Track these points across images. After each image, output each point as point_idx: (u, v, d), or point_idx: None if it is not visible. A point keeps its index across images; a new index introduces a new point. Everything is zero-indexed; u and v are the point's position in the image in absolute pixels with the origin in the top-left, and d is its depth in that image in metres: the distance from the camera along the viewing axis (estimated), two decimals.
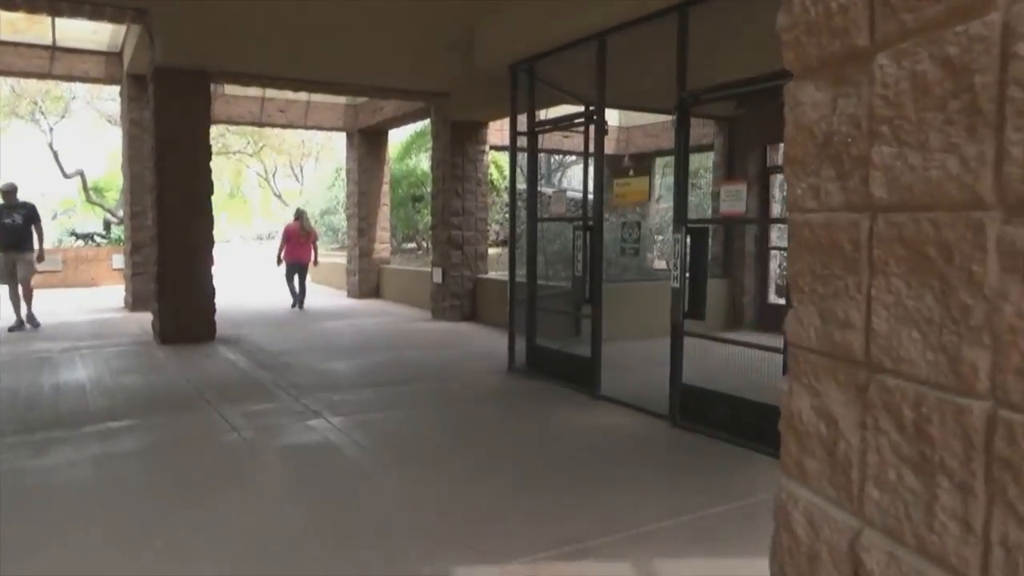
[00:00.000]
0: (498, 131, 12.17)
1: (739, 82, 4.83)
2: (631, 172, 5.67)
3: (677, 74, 5.38)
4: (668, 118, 12.36)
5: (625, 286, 9.28)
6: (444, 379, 7.22)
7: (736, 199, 4.88)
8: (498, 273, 11.92)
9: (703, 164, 13.19)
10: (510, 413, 6.08)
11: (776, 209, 10.99)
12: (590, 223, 6.29)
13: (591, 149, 6.59)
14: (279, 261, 12.89)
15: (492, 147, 12.16)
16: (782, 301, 11.45)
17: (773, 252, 10.88)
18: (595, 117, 6.18)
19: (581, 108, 7.80)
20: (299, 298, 12.87)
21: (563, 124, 6.76)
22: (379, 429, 5.45)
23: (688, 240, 5.28)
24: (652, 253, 13.15)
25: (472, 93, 10.42)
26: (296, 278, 12.83)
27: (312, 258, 13.04)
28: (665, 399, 5.73)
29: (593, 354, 6.40)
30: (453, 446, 5.12)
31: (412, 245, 17.40)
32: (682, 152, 5.41)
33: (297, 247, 12.76)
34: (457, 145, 11.27)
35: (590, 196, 6.53)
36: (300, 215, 13.17)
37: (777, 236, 11.20)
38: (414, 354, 8.57)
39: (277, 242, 13.42)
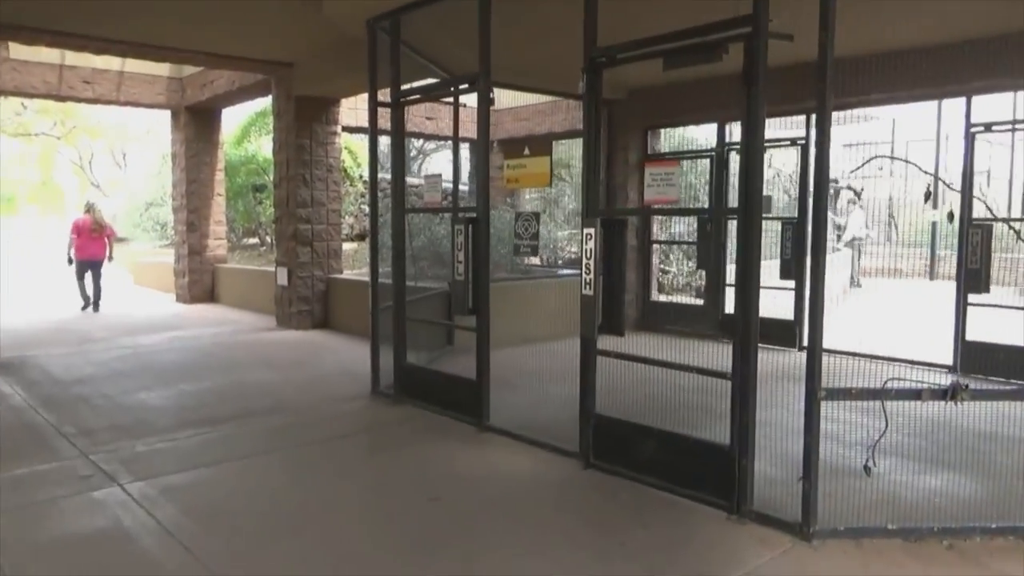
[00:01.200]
0: (352, 110, 10.68)
1: (669, 35, 3.80)
2: (526, 151, 4.49)
3: (585, 29, 4.28)
4: (542, 99, 11.40)
5: (497, 286, 8.18)
6: (293, 410, 5.78)
7: (666, 184, 3.88)
8: (354, 272, 10.47)
9: (573, 153, 12.32)
10: (379, 457, 4.78)
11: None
12: (474, 215, 5.09)
13: (465, 130, 5.36)
14: (69, 260, 11.58)
15: (345, 128, 10.66)
16: (664, 299, 10.81)
17: (654, 247, 10.17)
18: (479, 83, 4.98)
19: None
20: (93, 300, 11.69)
21: (436, 92, 5.51)
22: (200, 498, 3.99)
23: (600, 237, 4.21)
24: (556, 252, 12.17)
25: (320, 62, 8.90)
26: (89, 277, 11.65)
27: (107, 254, 11.75)
28: (569, 428, 4.66)
29: (480, 376, 5.21)
30: (305, 518, 3.76)
31: (255, 240, 15.47)
32: (592, 126, 4.33)
33: (89, 243, 11.52)
34: (303, 125, 9.69)
35: (462, 186, 5.33)
36: (90, 208, 11.83)
37: (658, 228, 10.50)
38: (255, 376, 7.02)
39: (66, 239, 11.73)
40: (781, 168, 10.99)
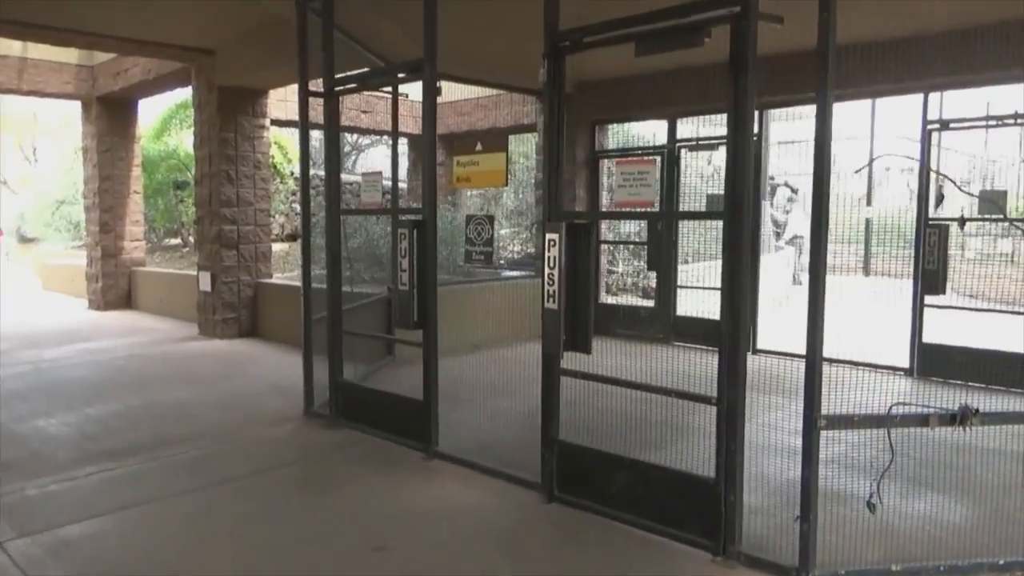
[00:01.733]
0: (282, 102, 9.95)
1: (643, 16, 3.35)
2: (479, 147, 3.98)
3: (546, 10, 3.80)
4: (484, 93, 10.90)
5: (440, 290, 7.64)
6: (214, 436, 5.13)
7: (641, 184, 3.43)
8: (285, 276, 9.76)
9: (521, 150, 11.86)
10: (313, 496, 4.19)
11: (605, 199, 9.92)
12: (419, 218, 4.55)
13: (404, 124, 4.80)
14: None
15: (275, 122, 9.93)
16: (612, 301, 10.45)
17: (603, 247, 9.79)
18: (424, 71, 4.44)
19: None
20: None
21: (375, 81, 4.94)
22: (96, 559, 3.35)
23: (565, 242, 3.73)
24: (499, 252, 11.61)
25: (245, 49, 8.19)
26: None
27: None
28: (527, 453, 4.20)
29: (427, 396, 4.68)
30: None
31: (177, 241, 14.48)
32: (556, 119, 3.85)
33: None
34: (227, 118, 8.94)
35: (402, 183, 4.78)
36: None
37: (607, 227, 10.12)
38: (172, 395, 6.31)
39: None
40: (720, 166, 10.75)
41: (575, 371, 3.91)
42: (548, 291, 3.78)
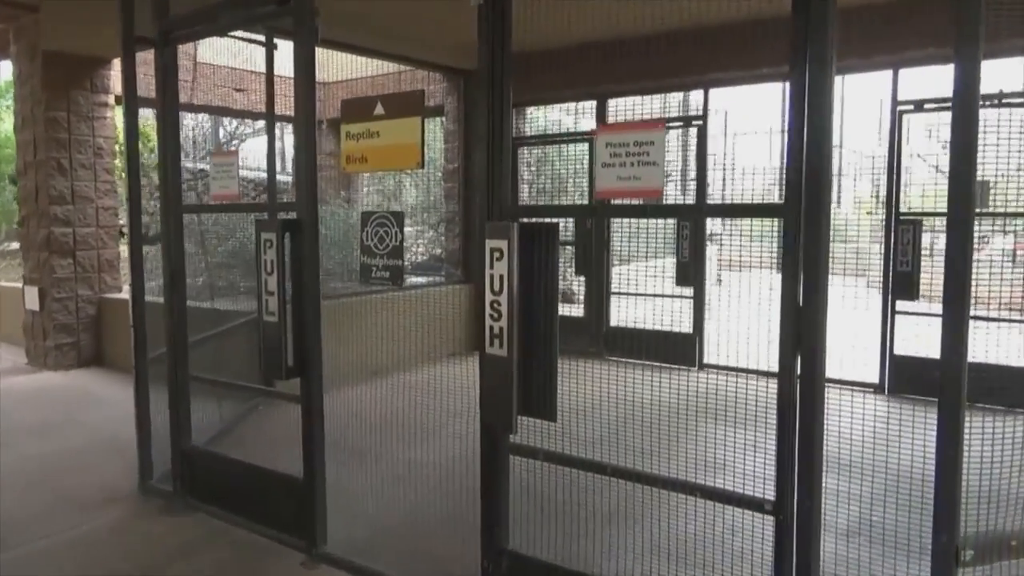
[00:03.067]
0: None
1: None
2: (379, 109, 2.57)
3: None
4: (381, 70, 9.40)
5: (326, 304, 6.17)
6: (10, 531, 3.52)
7: (641, 163, 2.14)
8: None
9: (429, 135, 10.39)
10: None
11: (525, 193, 8.66)
12: (293, 217, 3.11)
13: (287, 106, 3.30)
14: None
15: (121, 99, 8.10)
16: None
17: None
18: (301, 13, 3.00)
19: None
20: None
21: (230, 16, 3.44)
22: None
23: (519, 252, 2.41)
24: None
25: (79, 3, 6.42)
26: None
27: None
28: (455, 541, 2.87)
29: (310, 475, 3.24)
30: None
31: (17, 245, 12.22)
32: (499, 69, 2.51)
33: None
34: (57, 94, 7.10)
35: (287, 176, 3.33)
36: None
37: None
38: None
39: None
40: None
41: (533, 448, 2.59)
42: (492, 329, 2.45)
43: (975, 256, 1.76)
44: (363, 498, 3.76)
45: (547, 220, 2.57)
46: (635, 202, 2.56)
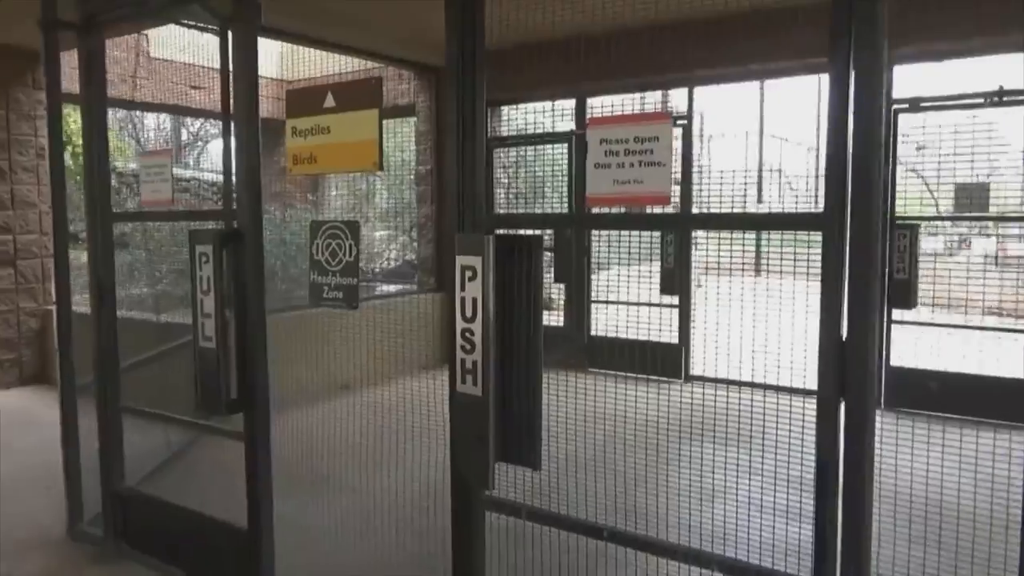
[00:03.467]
0: (76, 68, 7.60)
1: None
2: (329, 101, 2.14)
3: None
4: (344, 67, 8.94)
5: (282, 318, 5.71)
6: None
7: (644, 163, 1.74)
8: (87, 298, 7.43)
9: (401, 136, 9.87)
10: None
11: (500, 197, 8.25)
12: (234, 228, 2.68)
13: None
14: None
15: (70, 96, 7.55)
16: None
17: None
18: None
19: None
20: None
21: (159, 0, 3.00)
22: None
23: (494, 270, 2.00)
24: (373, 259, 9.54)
25: None
26: None
27: None
28: None
29: (255, 526, 2.80)
30: None
31: None
32: (468, 55, 2.11)
33: None
34: None
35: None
36: None
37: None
38: None
39: None
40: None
41: (515, 505, 2.18)
42: (463, 363, 2.04)
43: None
44: (321, 537, 3.33)
45: (529, 232, 2.17)
46: (624, 210, 2.16)
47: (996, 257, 7.45)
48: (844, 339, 1.63)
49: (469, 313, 2.02)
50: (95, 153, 3.26)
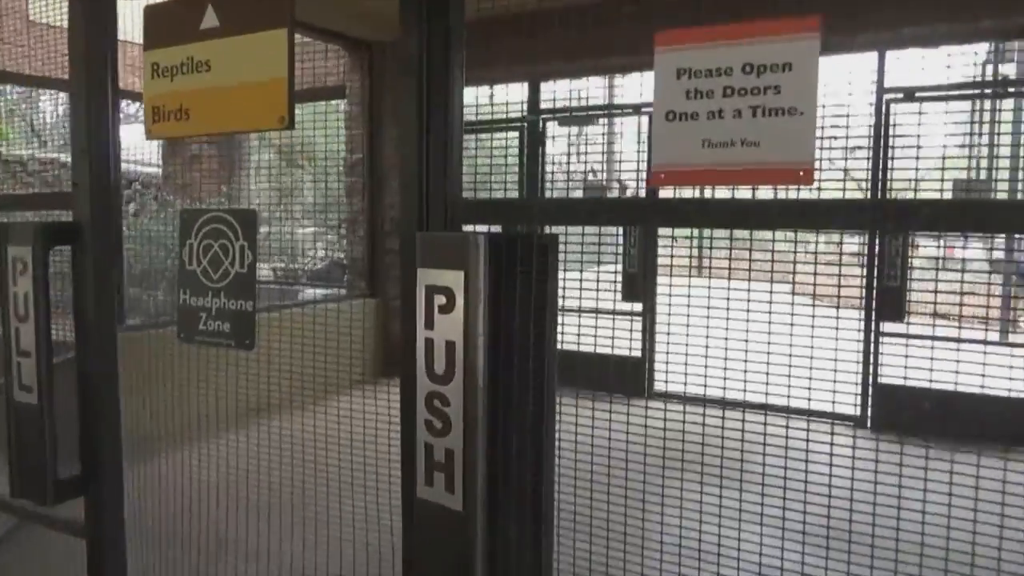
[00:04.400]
0: None
1: None
2: (211, 20, 1.24)
3: None
4: None
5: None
6: None
7: (782, 119, 1.00)
8: None
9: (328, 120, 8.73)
10: None
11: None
12: (69, 223, 1.76)
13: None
14: None
15: None
16: None
17: None
18: None
19: None
20: None
21: None
22: None
23: (489, 282, 1.17)
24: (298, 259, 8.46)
25: None
26: None
27: None
28: None
29: None
30: None
31: None
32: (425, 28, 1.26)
33: None
34: None
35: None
36: None
37: None
38: None
39: None
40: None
41: None
42: (430, 452, 1.18)
43: None
44: None
45: (542, 231, 1.32)
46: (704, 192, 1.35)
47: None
48: None
49: (441, 370, 1.17)
50: None
